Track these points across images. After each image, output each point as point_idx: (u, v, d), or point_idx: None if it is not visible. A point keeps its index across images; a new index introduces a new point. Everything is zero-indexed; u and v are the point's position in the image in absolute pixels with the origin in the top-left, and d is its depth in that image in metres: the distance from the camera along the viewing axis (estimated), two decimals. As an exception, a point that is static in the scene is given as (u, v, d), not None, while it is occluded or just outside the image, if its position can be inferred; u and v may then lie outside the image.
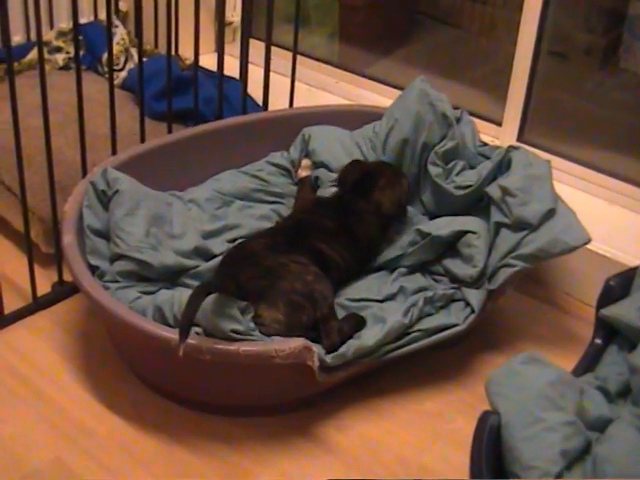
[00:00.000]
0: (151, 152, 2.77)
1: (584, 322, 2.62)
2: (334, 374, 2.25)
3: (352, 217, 2.63)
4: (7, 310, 2.60)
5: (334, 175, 2.83)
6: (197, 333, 2.18)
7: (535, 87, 3.15)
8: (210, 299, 2.17)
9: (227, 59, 3.03)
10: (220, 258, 2.53)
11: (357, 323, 2.36)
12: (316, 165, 2.91)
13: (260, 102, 3.13)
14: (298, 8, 3.01)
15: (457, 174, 2.73)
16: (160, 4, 3.33)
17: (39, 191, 2.70)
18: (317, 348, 2.20)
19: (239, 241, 2.62)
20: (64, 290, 2.70)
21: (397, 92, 2.98)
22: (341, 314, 2.40)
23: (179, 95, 3.01)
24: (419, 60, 3.87)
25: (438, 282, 2.57)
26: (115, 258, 2.45)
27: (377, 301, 2.50)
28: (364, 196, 2.64)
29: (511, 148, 2.69)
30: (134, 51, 3.32)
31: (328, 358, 2.21)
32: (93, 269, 2.45)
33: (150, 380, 2.42)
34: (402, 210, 2.71)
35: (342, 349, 2.24)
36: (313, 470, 2.22)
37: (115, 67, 3.35)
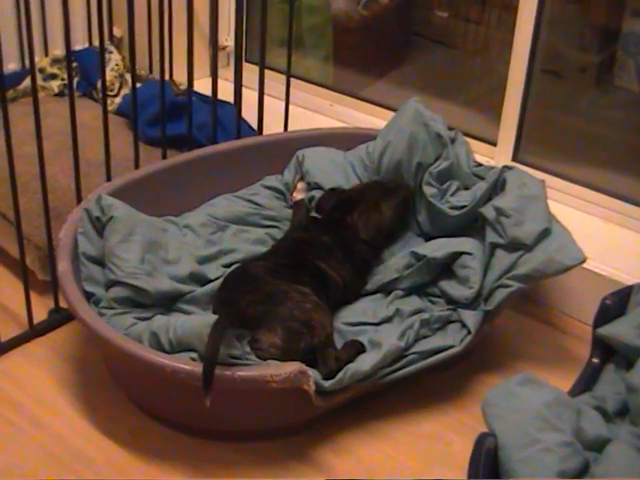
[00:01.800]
0: (145, 178, 2.77)
1: (581, 341, 2.62)
2: (331, 398, 2.25)
3: (347, 231, 2.65)
4: (3, 338, 2.59)
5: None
6: (192, 359, 2.19)
7: (529, 106, 3.15)
8: (205, 323, 2.18)
9: (222, 83, 3.04)
10: (220, 281, 2.54)
11: (356, 351, 2.34)
12: (310, 186, 2.91)
13: (255, 126, 3.14)
14: (291, 31, 3.02)
15: (452, 194, 2.73)
16: (154, 29, 3.34)
17: (34, 218, 2.70)
18: (313, 372, 2.19)
19: (236, 265, 2.62)
20: (60, 317, 2.70)
21: (392, 114, 2.98)
22: (338, 339, 2.40)
23: (174, 120, 3.01)
24: (414, 81, 3.88)
25: (434, 304, 2.57)
26: (110, 285, 2.44)
27: (373, 324, 2.50)
28: (341, 222, 2.68)
29: (505, 168, 2.69)
30: (129, 77, 3.33)
31: (325, 383, 2.21)
32: (89, 296, 2.45)
33: (147, 407, 2.41)
34: (383, 236, 2.73)
35: (339, 374, 2.23)
36: (311, 494, 2.22)
37: (110, 93, 3.35)
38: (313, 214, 2.84)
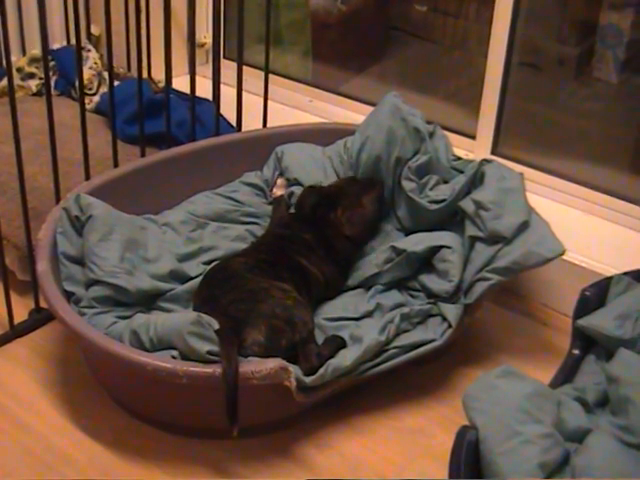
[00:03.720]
0: (124, 176, 2.76)
1: (561, 333, 2.62)
2: (313, 394, 2.25)
3: (329, 229, 2.64)
4: (-17, 339, 2.59)
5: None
6: (173, 357, 2.18)
7: (508, 99, 3.16)
8: (185, 320, 2.18)
9: (201, 80, 3.04)
10: (200, 278, 2.54)
11: (337, 346, 2.35)
12: (290, 182, 2.92)
13: (234, 123, 3.13)
14: (268, 27, 3.02)
15: (431, 188, 2.73)
16: (132, 27, 3.32)
17: (14, 218, 2.70)
18: (294, 368, 2.20)
19: (215, 262, 2.62)
20: (41, 317, 2.69)
21: (372, 109, 2.98)
22: (318, 334, 2.40)
23: (152, 118, 3.01)
24: (393, 76, 3.89)
25: (415, 298, 2.57)
26: (90, 284, 2.44)
27: (354, 319, 2.51)
28: (324, 219, 2.66)
29: (484, 162, 2.69)
30: (107, 75, 3.32)
31: (307, 379, 2.21)
32: (69, 295, 2.44)
33: (129, 405, 2.41)
34: (367, 230, 2.72)
35: (320, 370, 2.23)
36: (294, 490, 2.22)
37: (88, 92, 3.34)
38: (292, 211, 2.83)
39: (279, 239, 2.64)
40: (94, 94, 3.39)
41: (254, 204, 2.91)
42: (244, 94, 3.05)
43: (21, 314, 2.68)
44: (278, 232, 2.69)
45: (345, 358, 2.27)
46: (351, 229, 2.67)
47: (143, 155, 2.91)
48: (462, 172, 2.75)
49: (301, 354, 2.26)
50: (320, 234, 2.64)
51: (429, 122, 2.86)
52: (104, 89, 3.39)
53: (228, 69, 3.16)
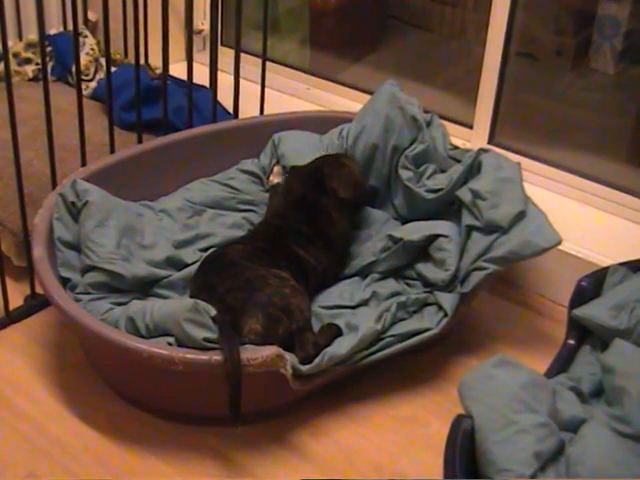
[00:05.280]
0: (121, 163, 2.76)
1: (557, 323, 2.63)
2: (308, 382, 2.25)
3: (322, 218, 2.63)
4: (-21, 325, 2.59)
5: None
6: (169, 343, 2.18)
7: (505, 89, 3.16)
8: (182, 307, 2.18)
9: (198, 67, 3.03)
10: (197, 266, 2.53)
11: (333, 335, 2.35)
12: (285, 169, 2.91)
13: (231, 110, 3.13)
14: (266, 14, 3.01)
15: (428, 178, 2.73)
16: (129, 13, 3.32)
17: (10, 204, 2.69)
18: (291, 356, 2.20)
19: (212, 249, 2.62)
20: (37, 303, 2.68)
21: (369, 97, 2.98)
22: (314, 322, 2.40)
23: (149, 105, 2.99)
24: (390, 65, 3.88)
25: (411, 286, 2.57)
26: (86, 270, 2.44)
27: (350, 307, 2.51)
28: (320, 190, 2.63)
29: (481, 151, 2.69)
30: (104, 61, 3.31)
31: (303, 367, 2.21)
32: (65, 281, 2.44)
33: (125, 392, 2.41)
34: (359, 191, 2.70)
35: (316, 359, 2.24)
36: (289, 478, 2.22)
37: (85, 77, 3.33)
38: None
39: (276, 229, 2.63)
40: (91, 80, 3.38)
41: (251, 191, 2.91)
42: (241, 81, 3.05)
43: (17, 300, 2.68)
44: (275, 222, 2.67)
45: (341, 346, 2.28)
46: (346, 190, 2.64)
47: (140, 141, 2.90)
48: (459, 161, 2.76)
49: (297, 342, 2.26)
50: (317, 225, 2.62)
51: (426, 111, 2.86)
52: (101, 75, 3.38)
53: (225, 56, 3.16)
